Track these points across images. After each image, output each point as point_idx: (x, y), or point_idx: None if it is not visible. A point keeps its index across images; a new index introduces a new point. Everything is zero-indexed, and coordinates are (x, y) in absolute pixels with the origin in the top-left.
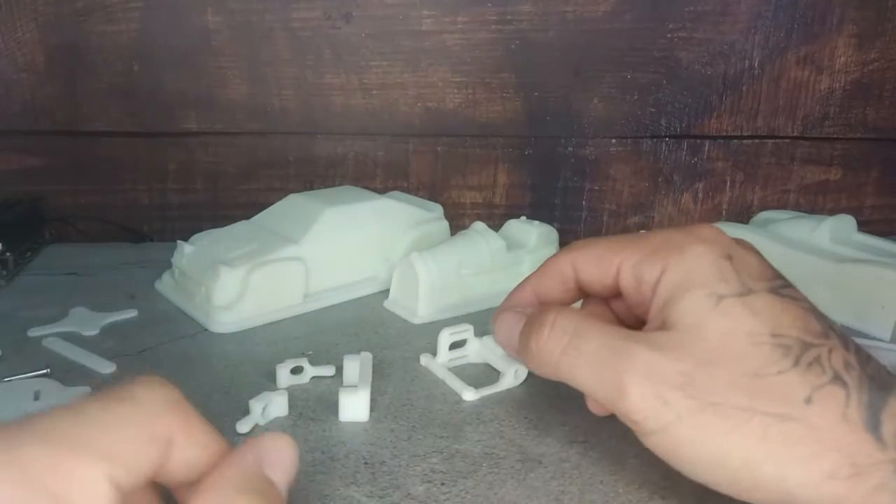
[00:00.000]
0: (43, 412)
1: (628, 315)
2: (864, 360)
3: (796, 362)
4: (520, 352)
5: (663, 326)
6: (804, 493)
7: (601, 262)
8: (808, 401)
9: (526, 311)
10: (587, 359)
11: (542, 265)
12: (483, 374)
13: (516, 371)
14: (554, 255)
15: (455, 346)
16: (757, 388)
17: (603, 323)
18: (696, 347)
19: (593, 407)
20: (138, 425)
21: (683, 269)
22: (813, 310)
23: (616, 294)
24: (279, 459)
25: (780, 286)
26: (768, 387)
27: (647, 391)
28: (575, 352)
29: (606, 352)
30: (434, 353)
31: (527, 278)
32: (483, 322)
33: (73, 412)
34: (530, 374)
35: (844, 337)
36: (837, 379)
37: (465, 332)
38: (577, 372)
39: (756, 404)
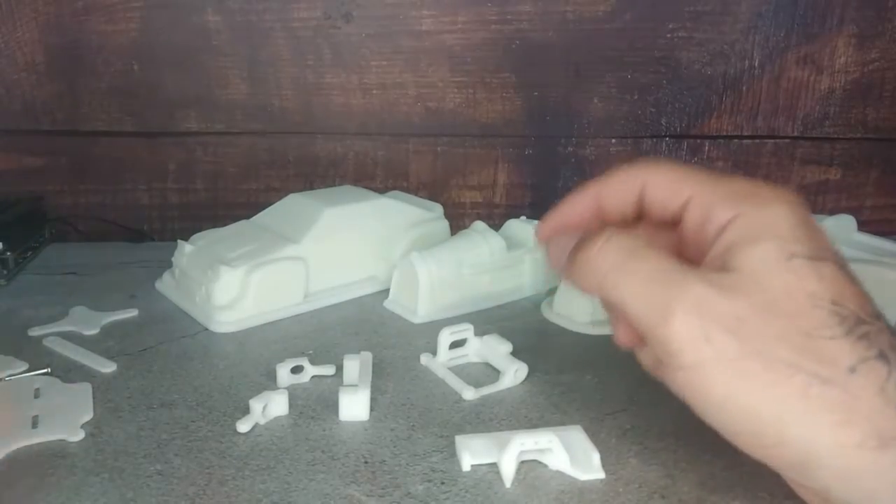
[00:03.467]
0: None
1: (675, 252)
2: None
3: (849, 332)
4: (568, 262)
5: (723, 268)
6: (830, 459)
7: (674, 186)
8: (853, 370)
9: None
10: (639, 279)
11: (611, 172)
12: (483, 374)
13: (516, 371)
14: (627, 165)
15: (455, 345)
16: (806, 346)
17: (661, 251)
18: (756, 295)
19: (621, 336)
20: None
21: (761, 219)
22: (869, 295)
23: (673, 224)
24: None
25: (846, 265)
26: (817, 348)
27: (692, 323)
28: (627, 270)
29: (660, 276)
30: (434, 352)
31: (591, 182)
32: (483, 321)
33: None
34: (530, 374)
35: (891, 326)
36: (882, 356)
37: (465, 331)
38: (623, 289)
39: (802, 362)
